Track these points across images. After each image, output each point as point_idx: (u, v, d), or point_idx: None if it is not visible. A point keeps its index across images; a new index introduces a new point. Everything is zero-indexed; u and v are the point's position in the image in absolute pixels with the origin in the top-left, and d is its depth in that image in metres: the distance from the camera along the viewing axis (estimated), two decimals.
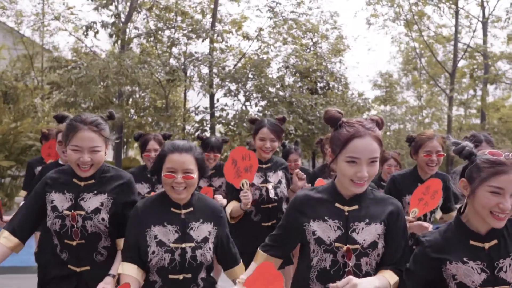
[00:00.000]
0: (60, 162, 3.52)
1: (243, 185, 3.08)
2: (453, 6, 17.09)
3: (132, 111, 15.04)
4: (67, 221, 2.21)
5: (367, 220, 1.83)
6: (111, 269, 2.23)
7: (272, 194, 3.29)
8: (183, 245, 2.09)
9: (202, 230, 2.17)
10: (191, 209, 2.19)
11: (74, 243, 2.23)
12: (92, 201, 2.28)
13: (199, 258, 2.12)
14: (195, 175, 2.14)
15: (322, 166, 4.62)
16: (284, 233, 1.98)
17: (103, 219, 2.22)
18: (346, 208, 1.86)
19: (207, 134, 13.25)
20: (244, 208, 3.09)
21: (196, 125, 14.07)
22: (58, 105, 13.83)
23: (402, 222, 1.88)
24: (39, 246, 2.43)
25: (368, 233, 1.81)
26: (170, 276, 2.08)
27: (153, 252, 2.07)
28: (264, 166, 3.45)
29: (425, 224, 2.61)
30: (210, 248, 2.18)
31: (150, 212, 2.14)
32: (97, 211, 2.25)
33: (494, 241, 1.67)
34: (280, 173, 3.50)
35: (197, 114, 14.13)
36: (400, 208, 1.90)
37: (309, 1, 15.32)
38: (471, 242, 1.68)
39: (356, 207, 1.85)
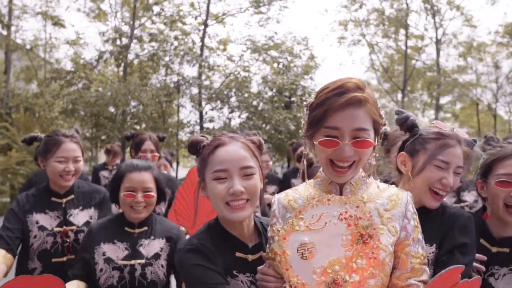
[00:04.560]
0: None
1: None
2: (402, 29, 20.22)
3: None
4: (58, 238, 2.27)
5: None
6: None
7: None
8: (132, 262, 2.03)
9: (153, 246, 2.11)
10: (145, 228, 2.14)
11: (65, 258, 2.26)
12: (80, 216, 2.36)
13: (149, 276, 2.04)
14: (154, 194, 2.11)
15: (294, 168, 4.74)
16: None
17: None
18: (250, 257, 1.47)
19: None
20: None
21: (189, 134, 16.99)
22: (60, 113, 16.39)
23: None
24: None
25: None
26: None
27: (101, 270, 2.02)
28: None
29: None
30: (162, 266, 2.09)
31: (102, 231, 2.10)
32: (87, 224, 2.34)
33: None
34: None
35: (188, 127, 17.02)
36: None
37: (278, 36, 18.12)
38: None
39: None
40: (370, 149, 1.36)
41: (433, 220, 1.58)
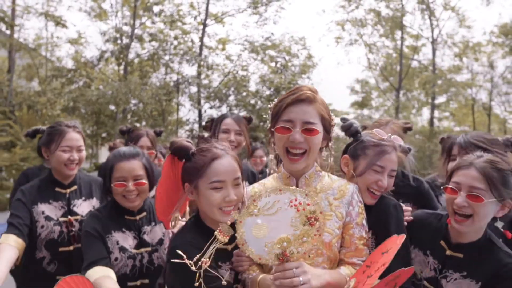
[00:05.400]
0: (45, 165, 3.29)
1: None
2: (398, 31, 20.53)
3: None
4: (63, 227, 2.31)
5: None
6: None
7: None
8: (141, 250, 2.08)
9: (156, 232, 2.16)
10: (144, 213, 2.16)
11: (72, 247, 2.29)
12: (83, 206, 2.41)
13: (156, 261, 2.10)
14: (146, 181, 2.08)
15: None
16: None
17: None
18: (229, 247, 1.69)
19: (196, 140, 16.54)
20: None
21: (188, 132, 17.36)
22: (61, 111, 16.64)
23: None
24: (24, 266, 2.32)
25: None
26: (129, 284, 2.04)
27: (116, 259, 2.01)
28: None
29: None
30: (165, 249, 2.13)
31: (108, 219, 2.09)
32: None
33: None
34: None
35: (187, 125, 17.40)
36: None
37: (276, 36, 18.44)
38: None
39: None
40: (317, 138, 1.63)
41: (369, 211, 1.81)
